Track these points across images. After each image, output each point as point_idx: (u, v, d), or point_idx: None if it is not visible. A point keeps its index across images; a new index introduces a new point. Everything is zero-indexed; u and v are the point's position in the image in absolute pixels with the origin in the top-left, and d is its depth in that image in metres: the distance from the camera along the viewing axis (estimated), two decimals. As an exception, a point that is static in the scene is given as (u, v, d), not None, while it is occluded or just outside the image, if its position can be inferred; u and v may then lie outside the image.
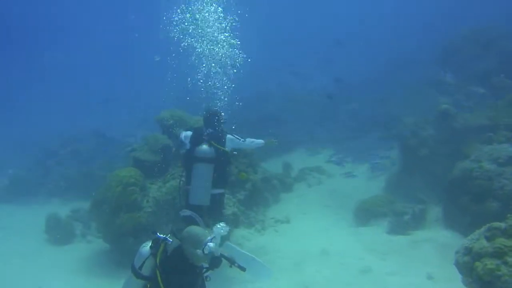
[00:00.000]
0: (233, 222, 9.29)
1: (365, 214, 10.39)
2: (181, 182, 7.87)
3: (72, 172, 16.96)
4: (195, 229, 4.86)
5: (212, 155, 7.41)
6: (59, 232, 11.51)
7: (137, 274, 4.85)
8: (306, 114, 19.74)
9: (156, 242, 4.81)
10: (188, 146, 7.53)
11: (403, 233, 9.45)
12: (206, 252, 4.56)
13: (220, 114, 7.90)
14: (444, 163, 10.42)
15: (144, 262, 4.78)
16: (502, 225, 5.58)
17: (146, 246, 4.89)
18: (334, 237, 9.74)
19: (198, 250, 4.58)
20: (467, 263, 5.63)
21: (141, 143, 10.81)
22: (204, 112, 7.94)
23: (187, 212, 6.66)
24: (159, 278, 4.63)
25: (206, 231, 4.87)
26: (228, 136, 7.68)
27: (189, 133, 7.75)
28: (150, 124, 12.01)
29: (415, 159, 11.18)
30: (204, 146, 7.42)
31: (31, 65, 42.11)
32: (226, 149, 7.53)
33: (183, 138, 7.64)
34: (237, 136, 7.72)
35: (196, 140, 7.54)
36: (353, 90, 20.86)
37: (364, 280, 7.83)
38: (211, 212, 7.54)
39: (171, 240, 4.82)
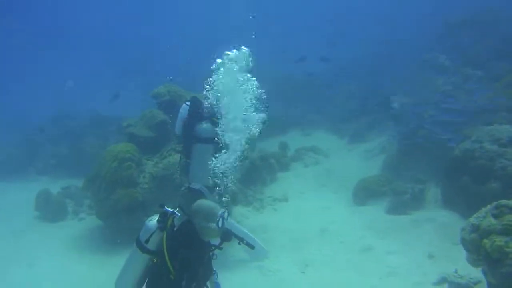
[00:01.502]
0: (231, 200, 9.14)
1: (364, 193, 10.29)
2: (181, 159, 7.64)
3: (63, 149, 16.68)
4: (206, 202, 4.72)
5: (213, 134, 6.88)
6: (50, 209, 11.29)
7: (142, 248, 4.68)
8: (301, 96, 19.59)
9: (164, 216, 4.63)
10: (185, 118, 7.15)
11: (403, 212, 9.37)
12: (220, 225, 4.44)
13: None
14: (443, 144, 10.34)
15: (150, 236, 4.61)
16: (510, 202, 5.50)
17: (153, 220, 4.70)
18: (333, 216, 9.64)
19: (211, 224, 4.44)
20: (475, 241, 5.54)
21: (137, 118, 10.54)
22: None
23: (196, 185, 6.54)
24: (165, 253, 4.47)
25: (217, 205, 4.74)
26: None
27: (185, 105, 7.34)
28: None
29: (414, 140, 11.06)
30: (204, 125, 6.99)
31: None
32: None
33: (183, 111, 7.29)
34: None
35: (195, 116, 7.08)
36: (350, 72, 20.72)
37: (364, 258, 7.76)
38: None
39: (179, 214, 4.68)
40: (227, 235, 4.59)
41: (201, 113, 7.05)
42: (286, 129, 17.33)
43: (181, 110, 7.35)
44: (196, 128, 7.02)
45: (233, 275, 7.29)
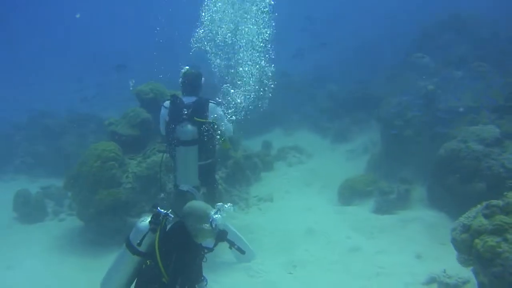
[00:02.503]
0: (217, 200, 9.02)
1: (350, 193, 10.25)
2: (164, 158, 7.47)
3: (41, 148, 16.30)
4: (198, 204, 4.64)
5: (195, 135, 6.80)
6: (29, 210, 10.97)
7: (133, 250, 4.57)
8: (281, 95, 19.44)
9: (157, 217, 4.53)
10: (167, 119, 6.96)
11: (389, 212, 9.35)
12: (213, 225, 4.34)
13: (202, 77, 7.25)
14: (428, 144, 10.38)
15: (143, 238, 4.49)
16: (500, 202, 5.49)
17: (145, 221, 4.60)
18: (319, 215, 9.54)
19: (205, 225, 4.36)
20: (466, 241, 5.53)
21: (119, 117, 10.31)
22: (184, 76, 7.18)
23: (185, 187, 6.42)
24: (158, 255, 4.37)
25: (209, 205, 4.65)
26: (211, 104, 7.00)
27: (163, 104, 7.16)
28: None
29: (398, 140, 11.06)
30: (187, 126, 6.76)
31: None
32: (210, 120, 6.87)
33: (163, 114, 7.11)
34: (220, 112, 7.08)
35: (176, 116, 6.83)
36: (330, 73, 20.74)
37: (352, 258, 7.68)
38: (203, 182, 7.19)
39: (172, 215, 4.58)
40: (221, 235, 4.53)
41: (181, 114, 6.84)
42: (268, 127, 17.23)
43: (161, 111, 7.17)
44: (177, 130, 6.84)
45: (220, 277, 7.17)
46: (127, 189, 8.85)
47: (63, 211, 11.22)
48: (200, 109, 6.88)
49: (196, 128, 6.80)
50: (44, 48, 37.27)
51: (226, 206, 4.61)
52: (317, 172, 12.46)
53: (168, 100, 7.13)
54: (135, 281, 4.67)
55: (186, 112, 6.79)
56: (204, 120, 6.82)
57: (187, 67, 7.30)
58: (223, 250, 7.32)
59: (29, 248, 9.23)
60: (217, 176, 9.38)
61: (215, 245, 4.69)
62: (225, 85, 7.39)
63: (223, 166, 10.26)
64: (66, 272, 8.04)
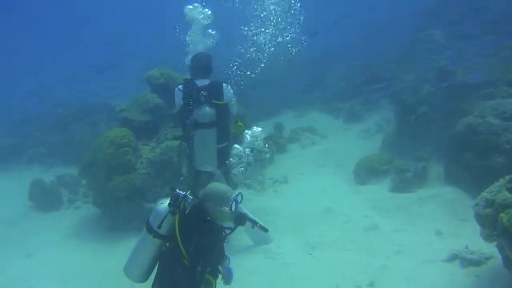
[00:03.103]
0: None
1: (365, 172, 10.12)
2: (181, 144, 7.39)
3: (53, 137, 16.34)
4: (219, 186, 4.55)
5: (213, 118, 6.73)
6: (45, 199, 11.02)
7: (154, 233, 4.51)
8: (289, 77, 19.29)
9: (175, 200, 4.46)
10: (181, 103, 6.80)
11: (406, 190, 9.21)
12: (233, 209, 4.27)
13: (212, 58, 7.12)
14: (443, 121, 10.22)
15: (162, 221, 4.44)
16: (525, 175, 5.40)
17: (164, 204, 4.54)
18: (335, 196, 9.48)
19: (225, 208, 4.29)
20: (490, 215, 5.43)
21: (130, 103, 10.24)
22: (195, 59, 7.09)
23: (208, 168, 6.36)
24: (178, 237, 4.32)
25: (230, 188, 4.57)
26: (225, 85, 6.94)
27: (177, 88, 7.00)
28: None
29: (413, 117, 10.89)
30: (206, 109, 6.68)
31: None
32: (225, 101, 6.84)
33: (177, 97, 6.93)
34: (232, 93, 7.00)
35: (194, 99, 6.70)
36: (340, 54, 20.51)
37: (371, 237, 7.61)
38: (219, 166, 7.10)
39: (191, 197, 4.51)
40: (241, 219, 4.46)
41: (199, 97, 6.76)
42: (278, 110, 17.11)
43: (176, 95, 7.07)
44: (195, 113, 6.74)
45: (238, 260, 7.09)
46: (142, 175, 8.82)
47: (78, 199, 11.25)
48: (216, 91, 6.82)
49: (215, 111, 6.72)
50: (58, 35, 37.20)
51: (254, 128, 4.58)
52: (331, 153, 12.33)
53: (181, 84, 7.03)
54: (158, 264, 4.65)
55: (204, 94, 6.69)
56: (221, 102, 6.75)
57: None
58: (241, 233, 7.30)
59: (46, 236, 9.32)
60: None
61: (235, 228, 4.64)
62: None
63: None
64: (84, 259, 8.06)
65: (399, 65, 14.84)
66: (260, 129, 6.71)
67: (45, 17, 41.63)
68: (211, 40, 7.88)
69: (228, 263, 4.88)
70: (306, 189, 10.13)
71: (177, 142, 8.68)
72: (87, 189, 10.73)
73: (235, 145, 6.78)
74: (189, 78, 7.07)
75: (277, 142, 12.70)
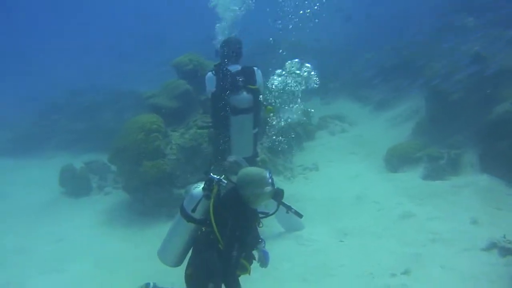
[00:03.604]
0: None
1: (397, 159, 9.97)
2: (210, 131, 7.30)
3: (79, 125, 16.47)
4: (251, 170, 4.52)
5: (251, 103, 6.61)
6: (75, 185, 11.11)
7: (188, 217, 4.50)
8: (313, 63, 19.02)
9: (210, 183, 4.44)
10: (213, 89, 6.70)
11: (440, 178, 9.05)
12: (274, 185, 4.33)
13: (242, 43, 6.95)
14: (477, 108, 9.97)
15: (197, 205, 4.41)
16: None
17: (198, 188, 4.52)
18: (366, 183, 9.35)
19: (266, 188, 4.24)
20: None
21: (158, 89, 10.22)
22: (226, 44, 6.86)
23: (232, 157, 6.31)
24: (213, 222, 4.29)
25: (261, 168, 4.57)
26: (255, 69, 6.84)
27: (209, 74, 6.87)
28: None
29: (445, 105, 10.65)
30: (244, 94, 6.56)
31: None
32: (257, 85, 6.74)
33: (210, 84, 6.80)
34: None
35: (230, 84, 6.58)
36: (369, 40, 20.16)
37: (404, 225, 7.46)
38: None
39: (225, 181, 4.48)
40: (278, 194, 4.53)
41: (236, 82, 6.64)
42: (304, 97, 16.89)
43: (208, 81, 6.95)
44: (233, 99, 6.62)
45: (270, 246, 7.02)
46: (172, 161, 8.80)
47: (108, 185, 11.32)
48: (249, 76, 6.71)
49: (252, 96, 6.62)
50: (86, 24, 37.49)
51: None
52: (361, 140, 12.20)
53: (211, 70, 6.93)
54: (192, 248, 4.62)
55: (240, 79, 6.59)
56: (254, 87, 6.66)
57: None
58: (272, 220, 7.21)
59: (77, 221, 9.40)
60: (260, 146, 9.30)
61: (278, 208, 4.63)
62: None
63: (265, 136, 10.07)
64: (115, 243, 8.12)
65: (429, 51, 14.50)
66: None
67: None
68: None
69: (264, 246, 4.89)
70: (336, 176, 10.03)
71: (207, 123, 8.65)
72: (117, 175, 10.79)
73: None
74: (218, 63, 6.99)
75: (306, 129, 12.56)
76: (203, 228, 4.41)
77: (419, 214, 7.77)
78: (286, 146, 6.47)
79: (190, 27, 28.54)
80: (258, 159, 7.76)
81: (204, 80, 7.02)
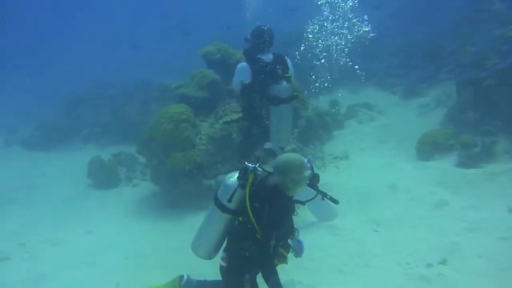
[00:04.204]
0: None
1: (429, 148, 9.74)
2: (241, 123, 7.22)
3: (106, 117, 16.57)
4: (290, 155, 4.47)
5: (291, 92, 6.57)
6: (103, 176, 11.16)
7: (222, 207, 4.46)
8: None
9: (245, 172, 4.38)
10: (249, 80, 6.65)
11: (474, 166, 8.82)
12: (313, 168, 4.37)
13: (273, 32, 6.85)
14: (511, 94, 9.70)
15: (233, 195, 4.36)
16: None
17: (233, 177, 4.48)
18: (398, 172, 9.19)
19: (306, 172, 4.23)
20: None
21: (187, 79, 10.17)
22: (257, 32, 6.77)
23: (268, 145, 6.27)
24: (249, 211, 4.24)
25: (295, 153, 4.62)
26: (286, 57, 6.83)
27: (243, 64, 6.85)
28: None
29: (478, 91, 10.38)
30: (284, 83, 6.51)
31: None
32: (290, 74, 6.72)
33: (244, 74, 6.75)
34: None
35: (270, 74, 6.53)
36: (394, 26, 19.78)
37: (439, 214, 7.32)
38: None
39: (260, 169, 4.43)
40: (314, 178, 4.48)
41: (275, 71, 6.56)
42: (329, 86, 16.65)
43: (242, 72, 6.81)
44: (275, 88, 6.55)
45: (303, 236, 6.94)
46: (202, 151, 8.75)
47: (136, 177, 11.33)
48: (283, 64, 6.67)
49: (290, 85, 6.53)
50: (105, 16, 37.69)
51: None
52: (390, 129, 11.98)
53: (243, 60, 6.84)
54: (227, 239, 4.58)
55: (279, 68, 6.50)
56: (289, 76, 6.60)
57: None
58: (304, 209, 7.13)
59: (107, 213, 9.45)
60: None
61: (316, 194, 4.63)
62: None
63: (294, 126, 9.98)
64: (145, 235, 8.11)
65: (456, 37, 14.17)
66: None
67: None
68: None
69: (298, 235, 4.87)
70: (368, 165, 9.88)
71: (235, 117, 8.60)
72: (145, 166, 10.81)
73: None
74: (248, 52, 6.89)
75: (335, 118, 12.43)
76: (240, 218, 4.35)
77: (453, 202, 7.62)
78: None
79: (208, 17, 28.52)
80: (288, 148, 7.69)
81: (232, 69, 6.96)
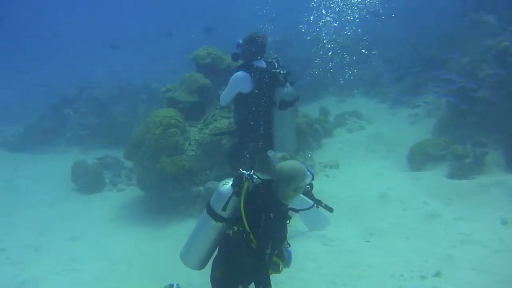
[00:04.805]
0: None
1: (421, 157, 9.66)
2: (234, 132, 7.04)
3: (92, 119, 16.25)
4: (289, 163, 4.33)
5: (296, 94, 6.38)
6: (87, 180, 10.88)
7: (215, 216, 4.30)
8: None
9: (240, 180, 4.23)
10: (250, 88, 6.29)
11: (466, 177, 8.76)
12: (312, 175, 4.28)
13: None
14: (504, 105, 9.67)
15: (227, 203, 4.20)
16: None
17: (227, 184, 4.32)
18: (390, 181, 9.08)
19: (306, 179, 4.16)
20: None
21: (176, 83, 9.99)
22: (252, 39, 6.41)
23: (271, 153, 6.14)
24: (244, 220, 4.09)
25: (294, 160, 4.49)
26: (275, 61, 6.57)
27: (243, 73, 6.44)
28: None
29: (469, 102, 10.33)
30: (289, 87, 6.28)
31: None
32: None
33: (244, 82, 6.41)
34: None
35: (274, 78, 6.29)
36: (380, 36, 19.84)
37: (432, 225, 7.23)
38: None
39: (255, 176, 4.28)
40: (311, 185, 4.44)
41: (278, 76, 6.33)
42: (318, 94, 16.60)
43: (241, 80, 6.55)
44: (282, 93, 6.30)
45: (294, 245, 6.79)
46: (191, 157, 8.59)
47: (121, 181, 11.10)
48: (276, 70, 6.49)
49: (293, 87, 6.40)
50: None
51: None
52: (380, 138, 11.87)
53: (240, 69, 6.63)
54: (218, 248, 4.42)
55: (282, 73, 6.35)
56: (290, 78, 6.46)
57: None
58: (293, 218, 6.97)
59: (91, 219, 9.23)
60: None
61: (314, 204, 4.71)
62: None
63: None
64: (131, 242, 7.95)
65: (447, 48, 14.19)
66: None
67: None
68: None
69: (288, 246, 4.71)
70: (358, 174, 9.79)
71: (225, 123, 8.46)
72: (131, 171, 10.59)
73: None
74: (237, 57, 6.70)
75: (323, 126, 12.31)
76: (235, 228, 4.18)
77: (446, 214, 7.55)
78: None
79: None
80: (279, 155, 7.55)
81: (224, 75, 6.79)
